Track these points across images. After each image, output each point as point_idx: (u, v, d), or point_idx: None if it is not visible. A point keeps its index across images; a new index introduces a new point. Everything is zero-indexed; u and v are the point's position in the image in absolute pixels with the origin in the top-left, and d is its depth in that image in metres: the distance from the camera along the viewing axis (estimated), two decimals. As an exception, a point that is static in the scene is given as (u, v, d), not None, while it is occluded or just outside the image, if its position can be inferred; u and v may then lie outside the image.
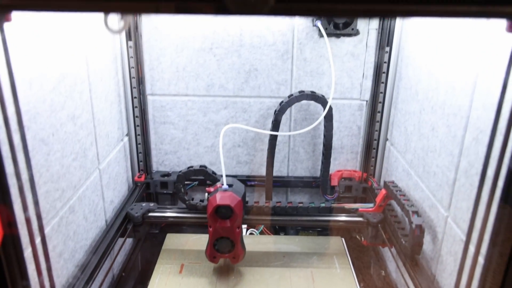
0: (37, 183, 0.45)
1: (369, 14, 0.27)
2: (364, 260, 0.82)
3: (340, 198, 0.85)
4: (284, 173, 0.90)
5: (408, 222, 0.58)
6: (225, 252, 0.65)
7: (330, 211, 0.72)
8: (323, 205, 0.72)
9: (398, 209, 0.69)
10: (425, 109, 0.61)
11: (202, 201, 0.73)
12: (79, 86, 0.56)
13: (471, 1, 0.24)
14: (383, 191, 0.70)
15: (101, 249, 0.63)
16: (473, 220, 0.42)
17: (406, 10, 0.24)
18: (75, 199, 0.56)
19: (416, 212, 0.57)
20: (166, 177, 0.86)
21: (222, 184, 0.65)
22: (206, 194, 0.67)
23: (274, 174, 0.86)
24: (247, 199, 0.70)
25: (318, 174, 0.88)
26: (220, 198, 0.62)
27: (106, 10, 0.25)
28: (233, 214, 0.62)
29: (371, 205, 0.72)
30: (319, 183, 0.86)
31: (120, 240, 0.70)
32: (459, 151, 0.49)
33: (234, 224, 0.63)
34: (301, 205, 0.72)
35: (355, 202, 0.85)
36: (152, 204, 0.73)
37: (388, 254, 0.74)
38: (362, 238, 0.74)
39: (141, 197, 0.83)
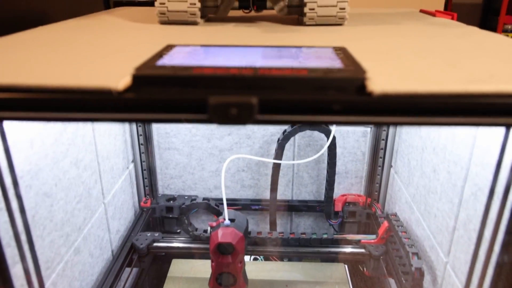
0: (41, 235, 0.46)
1: (349, 124, 0.27)
2: (366, 286, 0.82)
3: (344, 223, 0.86)
4: (289, 196, 0.90)
5: (408, 263, 0.58)
6: (227, 286, 0.66)
7: (332, 242, 0.73)
8: (325, 236, 0.73)
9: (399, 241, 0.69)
10: (427, 148, 0.61)
11: (205, 231, 0.74)
12: (82, 130, 0.57)
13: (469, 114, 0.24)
14: (386, 224, 0.70)
15: (107, 284, 0.64)
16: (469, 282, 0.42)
17: (395, 122, 0.24)
18: (80, 240, 0.58)
19: (417, 254, 0.57)
20: (171, 201, 0.87)
21: (224, 219, 0.66)
22: (209, 228, 0.68)
23: (279, 197, 0.87)
24: (250, 227, 0.71)
25: (322, 197, 0.88)
26: (222, 235, 0.63)
27: (94, 120, 0.25)
28: (235, 250, 0.63)
29: (374, 236, 0.72)
30: (323, 207, 0.86)
31: (126, 270, 0.71)
32: (458, 201, 0.49)
33: (235, 260, 0.64)
34: (303, 236, 0.72)
35: (359, 226, 0.85)
36: (157, 234, 0.74)
37: (392, 283, 0.74)
38: (365, 269, 0.74)
39: (147, 223, 0.84)
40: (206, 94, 0.24)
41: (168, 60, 0.29)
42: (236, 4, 0.50)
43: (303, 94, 0.24)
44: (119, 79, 0.24)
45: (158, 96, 0.24)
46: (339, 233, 0.84)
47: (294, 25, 0.49)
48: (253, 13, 0.53)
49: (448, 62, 0.29)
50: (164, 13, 0.48)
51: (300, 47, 0.35)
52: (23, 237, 0.37)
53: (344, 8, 0.47)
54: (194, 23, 0.49)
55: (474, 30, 0.44)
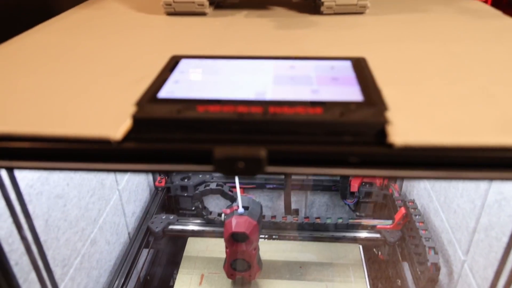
0: (56, 237, 0.47)
1: (366, 176, 0.25)
2: (380, 270, 0.82)
3: (360, 203, 0.85)
4: (304, 175, 0.89)
5: (424, 257, 0.57)
6: (242, 271, 0.67)
7: (347, 227, 0.72)
8: (340, 220, 0.72)
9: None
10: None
11: (220, 215, 0.74)
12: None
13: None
14: (403, 210, 0.68)
15: (125, 267, 0.66)
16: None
17: (417, 176, 0.22)
18: (96, 231, 0.58)
19: (433, 248, 0.56)
20: (185, 180, 0.87)
21: (238, 207, 0.65)
22: (223, 215, 0.68)
23: (294, 176, 0.86)
24: (264, 204, 0.71)
25: (338, 177, 0.87)
26: (236, 224, 0.63)
27: (90, 171, 0.24)
28: (249, 239, 0.63)
29: (390, 222, 0.71)
30: (339, 187, 0.85)
31: (143, 251, 0.73)
32: (481, 204, 0.47)
33: (249, 247, 0.64)
34: (318, 221, 0.72)
35: (374, 207, 0.84)
36: (172, 217, 0.75)
37: (406, 266, 0.74)
38: (379, 253, 0.74)
39: (163, 202, 0.85)
40: (212, 144, 0.22)
41: (171, 88, 0.27)
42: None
43: (316, 143, 0.22)
44: (118, 122, 0.23)
45: (161, 145, 0.22)
46: (354, 214, 0.84)
47: (309, 13, 0.45)
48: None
49: (486, 90, 0.26)
50: (170, 4, 0.44)
51: (315, 59, 0.31)
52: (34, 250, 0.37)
53: (366, -4, 0.43)
54: (202, 14, 0.46)
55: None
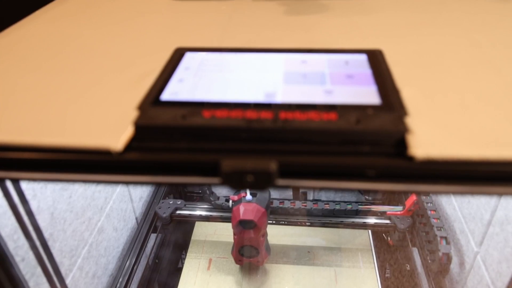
0: (62, 228, 0.46)
1: (384, 191, 0.23)
2: (389, 254, 0.82)
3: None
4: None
5: (436, 246, 0.56)
6: (249, 257, 0.67)
7: (356, 213, 0.71)
8: (349, 206, 0.71)
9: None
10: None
11: (227, 200, 0.73)
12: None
13: None
14: (413, 197, 0.67)
15: (134, 252, 0.66)
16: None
17: (440, 191, 0.20)
18: (103, 219, 0.58)
19: (445, 238, 0.55)
20: (193, 163, 0.86)
21: (246, 194, 0.65)
22: (230, 201, 0.67)
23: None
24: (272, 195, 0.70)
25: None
26: (243, 212, 0.62)
27: (90, 182, 0.22)
28: (257, 226, 0.63)
29: (400, 208, 0.70)
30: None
31: (151, 236, 0.73)
32: (498, 197, 0.45)
33: (258, 234, 0.64)
34: (327, 207, 0.71)
35: (384, 192, 0.83)
36: (179, 202, 0.75)
37: (415, 251, 0.73)
38: (389, 238, 0.73)
39: (170, 185, 0.84)
40: (219, 153, 0.21)
41: (175, 87, 0.25)
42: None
43: (331, 153, 0.20)
44: (119, 130, 0.21)
45: (165, 156, 0.21)
46: (364, 197, 0.83)
47: (322, -3, 0.43)
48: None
49: None
50: (173, -12, 0.42)
51: (328, 52, 0.29)
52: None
53: (382, -21, 0.40)
54: (208, -2, 0.43)
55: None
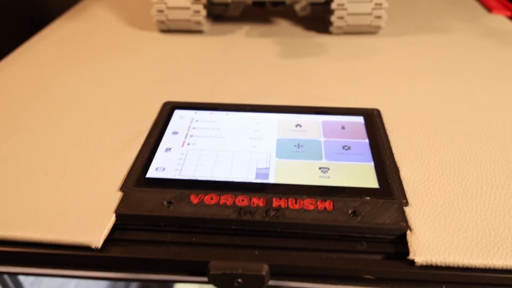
0: None
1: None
2: None
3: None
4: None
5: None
6: None
7: None
8: None
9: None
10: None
11: None
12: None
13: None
14: None
15: None
16: None
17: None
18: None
19: None
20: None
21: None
22: None
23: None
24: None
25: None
26: None
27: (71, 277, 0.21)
28: None
29: None
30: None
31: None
32: None
33: None
34: None
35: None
36: None
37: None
38: None
39: None
40: (207, 247, 0.19)
41: (162, 160, 0.24)
42: (249, 0, 0.42)
43: (325, 251, 0.19)
44: (100, 220, 0.20)
45: (148, 250, 0.19)
46: None
47: (317, 31, 0.41)
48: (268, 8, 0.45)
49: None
50: (163, 22, 0.40)
51: (323, 112, 0.28)
52: None
53: (380, 17, 0.39)
54: (199, 31, 0.42)
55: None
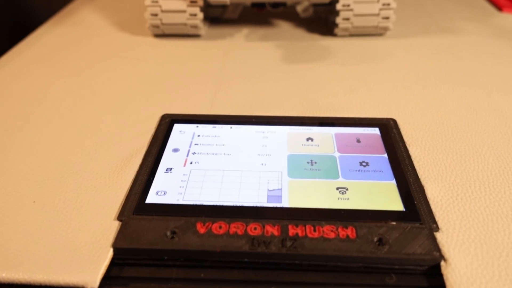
0: None
1: None
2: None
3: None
4: None
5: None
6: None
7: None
8: None
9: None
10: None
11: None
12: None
13: None
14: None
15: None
16: None
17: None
18: None
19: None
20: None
21: None
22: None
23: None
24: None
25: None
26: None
27: None
28: None
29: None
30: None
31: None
32: None
33: None
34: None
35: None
36: None
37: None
38: None
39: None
40: (217, 285, 0.17)
41: (162, 183, 0.21)
42: (249, 2, 0.39)
43: (349, 285, 0.17)
44: (96, 255, 0.18)
45: (149, 292, 0.17)
46: None
47: (320, 34, 0.39)
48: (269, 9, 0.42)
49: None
50: (157, 26, 0.38)
51: (335, 124, 0.26)
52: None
53: (388, 18, 0.37)
54: (196, 35, 0.39)
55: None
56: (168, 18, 0.37)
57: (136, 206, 0.20)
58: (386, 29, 0.37)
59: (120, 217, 0.19)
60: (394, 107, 0.28)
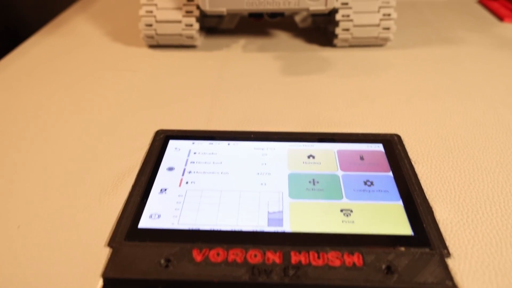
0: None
1: None
2: None
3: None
4: None
5: None
6: None
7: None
8: None
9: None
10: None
11: None
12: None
13: None
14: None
15: None
16: None
17: None
18: None
19: None
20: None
21: None
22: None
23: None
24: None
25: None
26: None
27: None
28: None
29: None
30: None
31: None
32: None
33: None
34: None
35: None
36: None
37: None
38: None
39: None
40: (213, 324, 0.16)
41: (156, 205, 0.20)
42: (246, 12, 0.38)
43: (361, 322, 0.16)
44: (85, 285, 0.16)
45: (141, 327, 0.16)
46: None
47: (319, 44, 0.38)
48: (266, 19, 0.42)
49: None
50: (152, 37, 0.37)
51: (336, 140, 0.25)
52: None
53: (388, 28, 0.36)
54: (192, 46, 0.38)
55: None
56: (163, 29, 0.36)
57: (128, 231, 0.19)
58: (386, 39, 0.37)
59: (111, 243, 0.18)
60: (397, 121, 0.27)
